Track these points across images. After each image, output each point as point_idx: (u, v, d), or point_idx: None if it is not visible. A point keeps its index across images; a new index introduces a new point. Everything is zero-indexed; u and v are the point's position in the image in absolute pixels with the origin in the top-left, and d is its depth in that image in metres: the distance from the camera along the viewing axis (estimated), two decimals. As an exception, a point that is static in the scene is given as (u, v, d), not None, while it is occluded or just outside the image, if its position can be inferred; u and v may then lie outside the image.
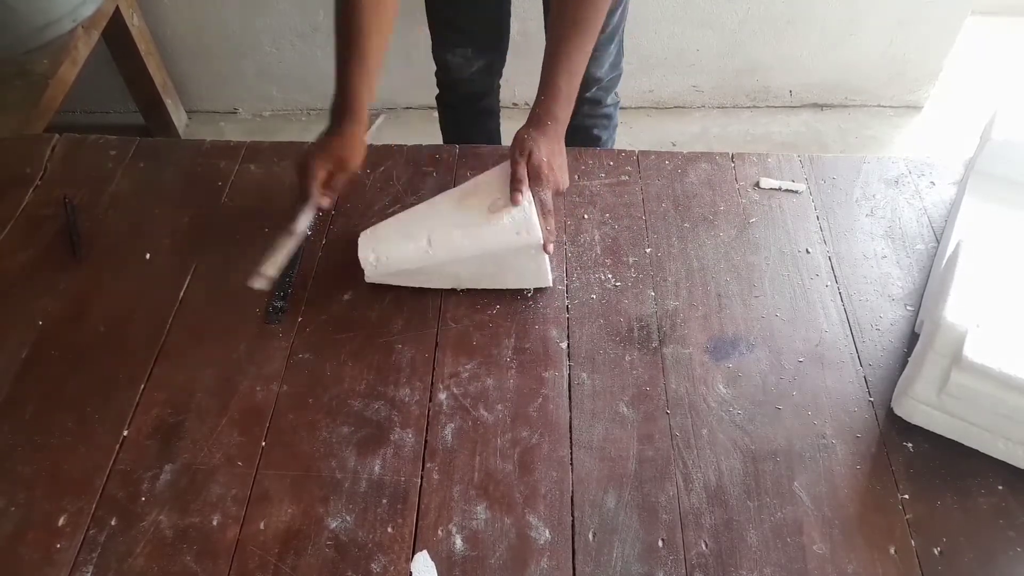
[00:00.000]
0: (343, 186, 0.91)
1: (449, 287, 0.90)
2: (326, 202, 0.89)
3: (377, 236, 0.89)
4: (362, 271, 0.91)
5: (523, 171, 0.85)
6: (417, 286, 0.90)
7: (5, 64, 1.47)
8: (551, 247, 0.85)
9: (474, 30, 1.33)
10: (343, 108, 0.93)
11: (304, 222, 0.88)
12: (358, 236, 0.89)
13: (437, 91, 1.47)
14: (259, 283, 0.85)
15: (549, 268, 0.88)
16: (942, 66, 2.04)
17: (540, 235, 0.83)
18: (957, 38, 1.97)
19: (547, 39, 0.93)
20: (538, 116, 0.91)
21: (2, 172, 1.05)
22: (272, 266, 0.86)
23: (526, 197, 0.84)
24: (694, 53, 2.02)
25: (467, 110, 1.49)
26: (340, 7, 0.94)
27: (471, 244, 0.84)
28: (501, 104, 1.54)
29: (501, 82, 1.49)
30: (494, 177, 0.89)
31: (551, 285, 0.90)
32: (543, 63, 0.92)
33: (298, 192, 0.88)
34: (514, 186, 0.84)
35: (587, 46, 0.91)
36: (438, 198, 0.90)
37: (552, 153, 0.89)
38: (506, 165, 0.89)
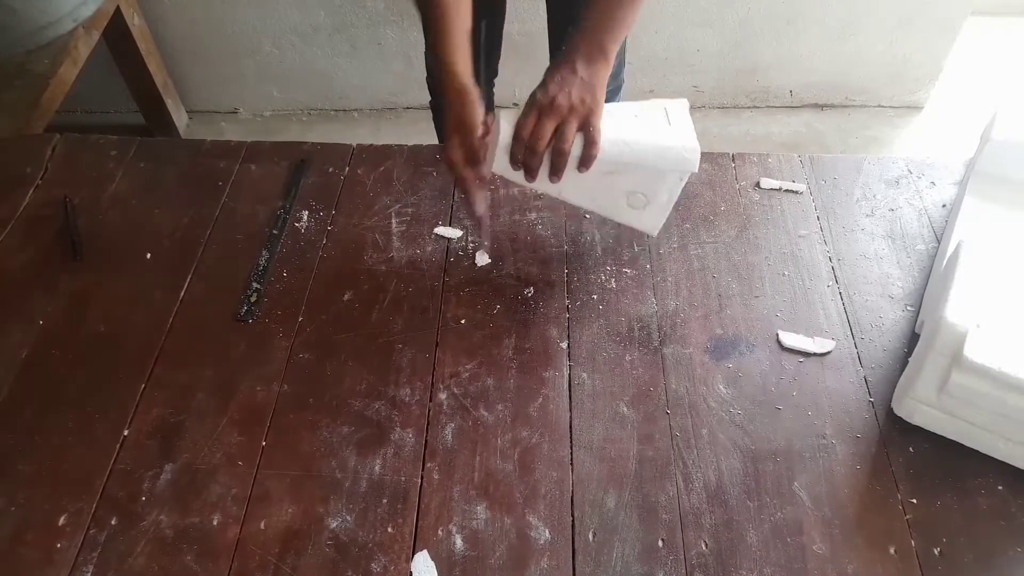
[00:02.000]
0: (483, 150, 0.83)
1: (558, 197, 0.87)
2: (482, 170, 0.83)
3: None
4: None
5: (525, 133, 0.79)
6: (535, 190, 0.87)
7: (5, 64, 1.47)
8: (557, 177, 0.81)
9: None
10: (444, 75, 0.83)
11: (479, 204, 0.85)
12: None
13: (429, 97, 1.45)
14: (484, 258, 0.86)
15: (664, 214, 0.87)
16: (942, 66, 2.03)
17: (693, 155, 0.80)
18: (957, 38, 1.97)
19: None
20: (575, 49, 0.81)
21: (2, 172, 1.05)
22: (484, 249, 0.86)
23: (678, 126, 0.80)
24: (694, 53, 2.02)
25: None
26: None
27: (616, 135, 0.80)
28: (500, 105, 1.54)
29: (500, 81, 1.48)
30: (646, 106, 0.86)
31: (654, 236, 0.90)
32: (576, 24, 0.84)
33: (457, 184, 0.85)
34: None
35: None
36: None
37: (576, 86, 0.80)
38: (662, 101, 0.86)
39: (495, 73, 1.42)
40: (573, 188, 0.85)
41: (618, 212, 0.88)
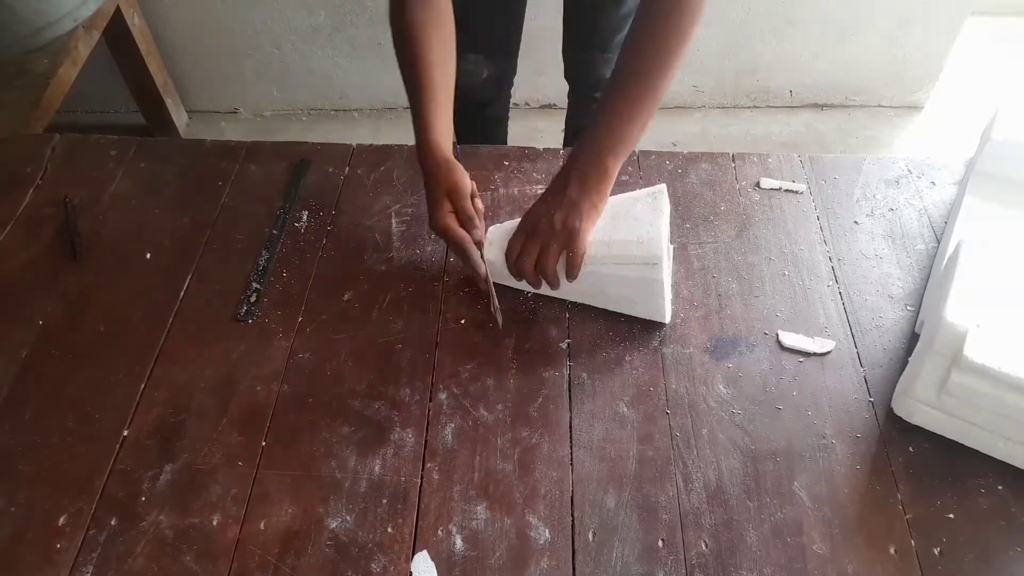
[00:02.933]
0: (476, 207, 0.85)
1: (561, 297, 0.88)
2: (477, 234, 0.84)
3: (499, 234, 0.87)
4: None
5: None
6: (538, 293, 0.88)
7: (5, 64, 1.47)
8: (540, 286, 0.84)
9: (486, 35, 1.28)
10: (428, 148, 0.86)
11: (481, 264, 0.84)
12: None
13: None
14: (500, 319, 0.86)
15: (668, 302, 0.85)
16: (942, 66, 2.04)
17: (660, 255, 0.79)
18: (957, 38, 1.97)
19: (612, 79, 0.84)
20: (580, 161, 0.83)
21: (2, 172, 1.05)
22: (495, 308, 0.86)
23: (656, 224, 0.81)
24: (694, 53, 2.01)
25: (473, 117, 1.43)
26: (400, 44, 0.89)
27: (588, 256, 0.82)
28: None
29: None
30: (625, 200, 0.86)
31: (667, 322, 0.86)
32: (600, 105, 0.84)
33: (455, 248, 0.84)
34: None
35: (660, 92, 0.82)
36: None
37: (574, 214, 0.81)
38: (642, 191, 0.86)
39: (514, 71, 1.41)
40: (573, 291, 0.87)
41: (622, 306, 0.87)
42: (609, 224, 0.83)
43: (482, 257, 0.84)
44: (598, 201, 0.82)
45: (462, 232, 0.83)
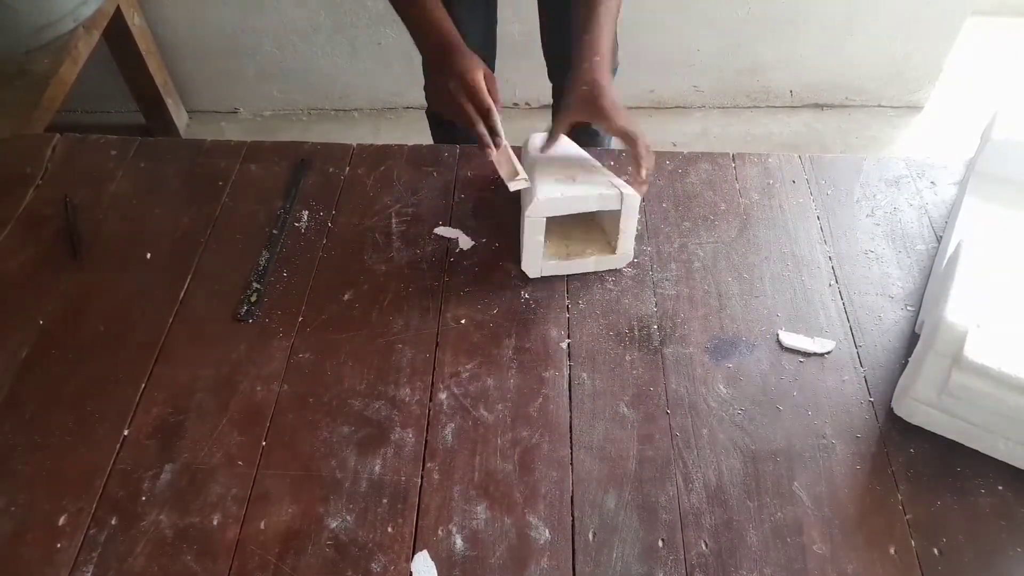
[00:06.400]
0: (495, 96, 0.90)
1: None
2: (498, 109, 0.88)
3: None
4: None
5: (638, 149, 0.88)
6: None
7: (5, 64, 1.47)
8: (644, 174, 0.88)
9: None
10: (450, 37, 0.91)
11: (501, 129, 0.87)
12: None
13: (426, 104, 1.44)
14: (521, 184, 0.87)
15: (631, 242, 0.90)
16: (942, 66, 2.03)
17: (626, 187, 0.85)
18: (957, 38, 1.97)
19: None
20: (592, 68, 0.90)
21: (2, 172, 1.05)
22: (521, 175, 0.87)
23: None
24: (694, 53, 2.02)
25: (451, 127, 1.42)
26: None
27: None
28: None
29: (500, 81, 1.47)
30: (557, 150, 0.92)
31: (627, 262, 0.92)
32: (579, 24, 0.93)
33: (472, 110, 0.87)
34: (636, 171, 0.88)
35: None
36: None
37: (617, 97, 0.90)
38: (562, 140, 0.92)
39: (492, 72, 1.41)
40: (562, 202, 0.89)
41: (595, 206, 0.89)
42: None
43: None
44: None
45: (485, 95, 0.87)
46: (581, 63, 0.91)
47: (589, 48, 0.91)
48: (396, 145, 1.09)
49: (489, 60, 1.36)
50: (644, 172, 0.88)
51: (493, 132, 0.87)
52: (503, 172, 0.87)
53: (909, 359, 0.81)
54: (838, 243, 0.96)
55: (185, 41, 1.98)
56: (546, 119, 2.05)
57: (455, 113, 0.88)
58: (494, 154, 0.87)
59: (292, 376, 0.83)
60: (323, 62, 2.02)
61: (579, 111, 0.90)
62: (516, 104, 2.09)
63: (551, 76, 1.42)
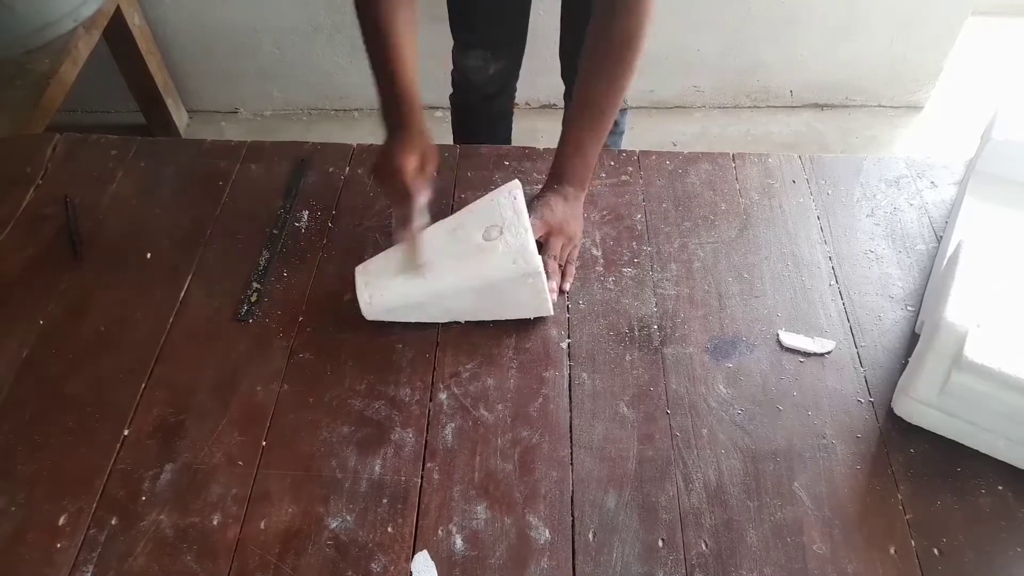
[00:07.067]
0: (431, 180, 0.87)
1: (449, 320, 0.87)
2: (424, 197, 0.84)
3: (369, 271, 0.86)
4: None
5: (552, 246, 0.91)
6: (416, 321, 0.86)
7: (5, 64, 1.47)
8: (567, 285, 0.90)
9: (492, 32, 1.32)
10: (402, 109, 0.86)
11: (421, 219, 0.84)
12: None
13: (451, 90, 1.46)
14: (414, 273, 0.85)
15: (550, 297, 0.85)
16: (942, 66, 2.03)
17: (537, 262, 0.81)
18: (957, 38, 1.97)
19: (573, 100, 0.94)
20: (560, 177, 0.94)
21: (2, 172, 1.05)
22: (422, 264, 0.84)
23: (522, 224, 0.84)
24: (694, 53, 2.02)
25: (480, 112, 1.48)
26: (364, 17, 0.88)
27: (468, 276, 0.82)
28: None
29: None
30: (486, 204, 0.87)
31: (552, 314, 0.86)
32: (566, 123, 0.95)
33: (393, 195, 0.85)
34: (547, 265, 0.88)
35: (614, 109, 0.96)
36: (431, 229, 0.87)
37: (567, 216, 0.92)
38: (498, 192, 0.88)
39: (519, 66, 1.42)
40: (463, 310, 0.87)
41: (508, 311, 0.87)
42: (478, 238, 0.84)
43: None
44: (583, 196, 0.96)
45: (410, 182, 0.82)
46: (547, 183, 0.95)
47: (552, 172, 0.95)
48: (396, 145, 1.08)
49: (516, 52, 1.37)
50: (567, 284, 0.91)
51: (405, 219, 0.84)
52: (404, 258, 0.85)
53: (909, 359, 0.81)
54: (838, 243, 0.96)
55: (185, 41, 1.98)
56: (546, 119, 2.05)
57: (378, 183, 0.87)
58: (401, 240, 0.85)
59: (292, 376, 0.83)
60: (323, 62, 2.02)
61: (537, 230, 0.90)
62: (516, 104, 2.08)
63: (563, 76, 1.42)
